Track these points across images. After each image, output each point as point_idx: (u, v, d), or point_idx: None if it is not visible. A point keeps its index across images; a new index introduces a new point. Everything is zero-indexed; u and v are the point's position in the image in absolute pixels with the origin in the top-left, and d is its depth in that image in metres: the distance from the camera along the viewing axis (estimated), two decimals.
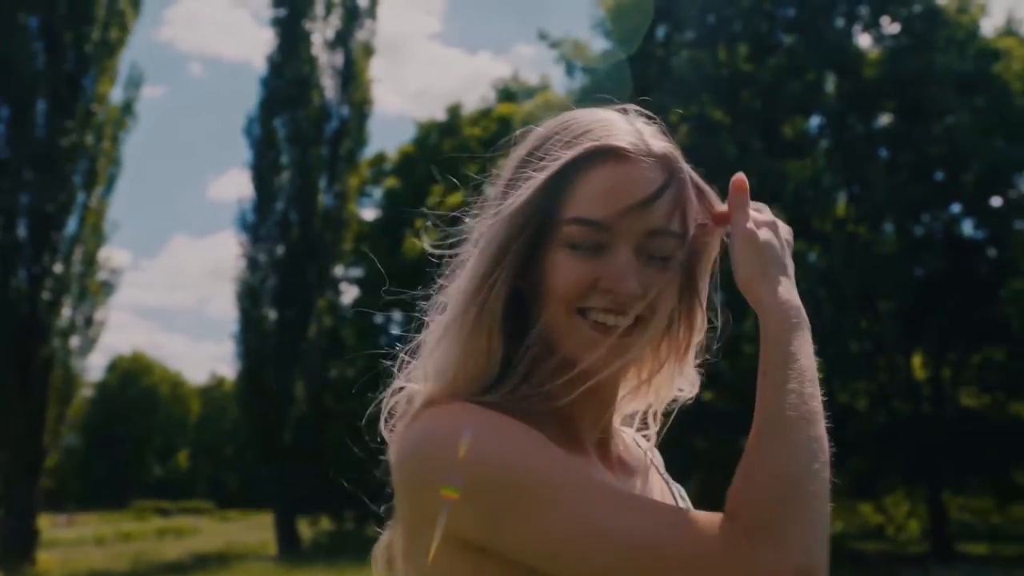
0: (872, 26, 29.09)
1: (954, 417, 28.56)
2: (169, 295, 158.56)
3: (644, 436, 1.69)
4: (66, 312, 25.87)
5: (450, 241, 1.55)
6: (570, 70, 30.97)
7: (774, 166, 25.67)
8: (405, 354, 1.52)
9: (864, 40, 29.47)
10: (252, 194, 31.90)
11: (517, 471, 1.26)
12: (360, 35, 33.10)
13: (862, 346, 27.95)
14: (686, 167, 1.46)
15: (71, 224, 25.65)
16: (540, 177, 1.40)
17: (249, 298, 31.56)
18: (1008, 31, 30.06)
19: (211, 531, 42.76)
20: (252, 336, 31.34)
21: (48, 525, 33.71)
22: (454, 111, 38.17)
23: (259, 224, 31.74)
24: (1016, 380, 28.34)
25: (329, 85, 32.54)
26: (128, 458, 79.91)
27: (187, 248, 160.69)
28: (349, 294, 37.54)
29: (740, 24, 27.54)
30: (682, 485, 1.71)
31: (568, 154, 1.40)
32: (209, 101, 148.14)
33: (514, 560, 1.27)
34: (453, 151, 34.52)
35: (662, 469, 1.68)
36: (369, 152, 36.52)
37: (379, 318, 36.19)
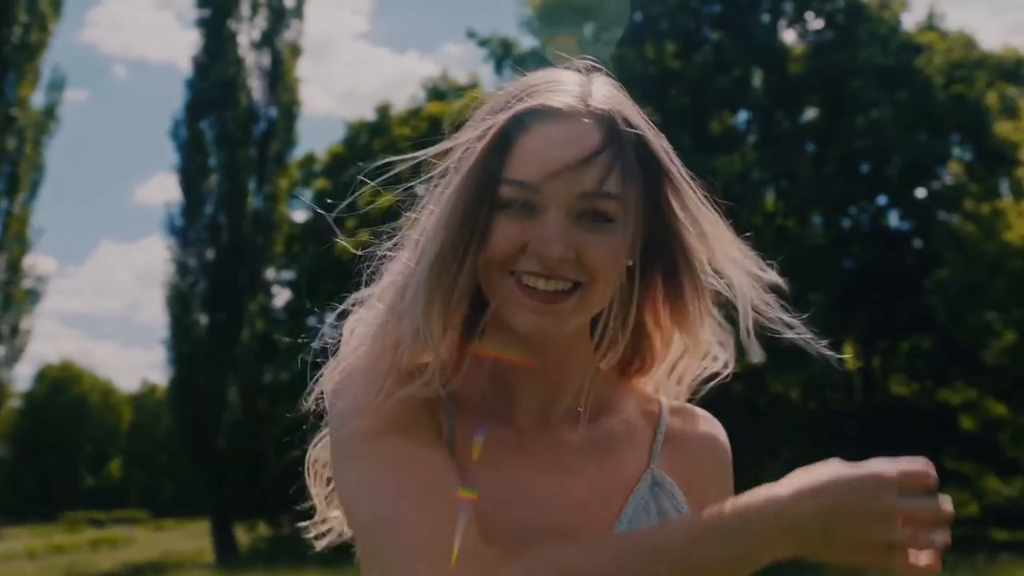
0: (797, 22, 29.48)
1: (885, 405, 29.02)
2: (97, 302, 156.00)
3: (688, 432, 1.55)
4: None
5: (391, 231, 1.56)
6: (499, 68, 31.02)
7: (703, 162, 25.89)
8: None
9: (789, 36, 29.86)
10: (180, 197, 31.48)
11: (348, 430, 1.36)
12: (287, 35, 32.80)
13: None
14: (638, 126, 1.40)
15: None
16: (485, 140, 1.38)
17: (179, 303, 31.15)
18: (929, 26, 30.61)
19: (146, 541, 42.16)
20: (183, 341, 30.94)
21: None
22: (383, 111, 38.00)
23: (188, 228, 31.34)
24: (943, 368, 28.88)
25: (256, 86, 32.21)
26: (58, 469, 78.54)
27: (114, 254, 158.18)
28: (281, 297, 37.25)
29: (667, 22, 27.75)
30: None
31: (507, 115, 1.38)
32: (134, 104, 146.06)
33: None
34: (383, 151, 34.41)
35: (659, 472, 1.48)
36: (298, 153, 36.21)
37: (312, 320, 35.91)
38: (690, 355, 1.55)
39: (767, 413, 26.75)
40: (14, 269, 25.70)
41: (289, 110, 32.60)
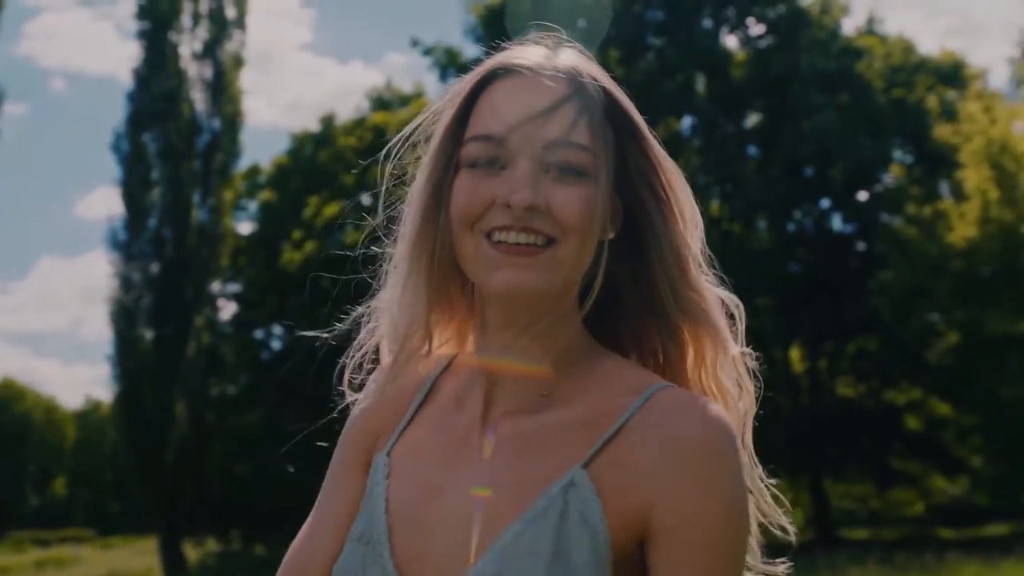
0: (738, 28, 29.72)
1: (832, 407, 29.30)
2: (39, 318, 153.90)
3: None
4: None
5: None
6: (444, 77, 31.01)
7: None
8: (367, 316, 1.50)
9: (731, 42, 30.11)
10: (123, 211, 31.16)
11: None
12: (229, 46, 32.57)
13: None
14: (607, 84, 1.38)
15: None
16: (452, 106, 1.37)
17: (124, 318, 30.82)
18: (869, 31, 31.01)
19: (93, 560, 41.57)
20: (129, 357, 30.61)
21: None
22: (328, 121, 37.84)
23: (131, 242, 31.02)
24: (888, 369, 29.22)
25: (199, 98, 31.96)
26: (1, 488, 77.35)
27: (56, 269, 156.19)
28: (227, 310, 36.97)
29: (611, 28, 27.87)
30: None
31: (472, 79, 1.38)
32: (73, 117, 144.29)
33: None
34: (328, 162, 34.25)
35: (582, 473, 1.27)
36: (242, 165, 35.96)
37: (259, 333, 35.70)
38: (709, 346, 1.41)
39: None
40: None
41: (233, 121, 32.37)
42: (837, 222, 30.28)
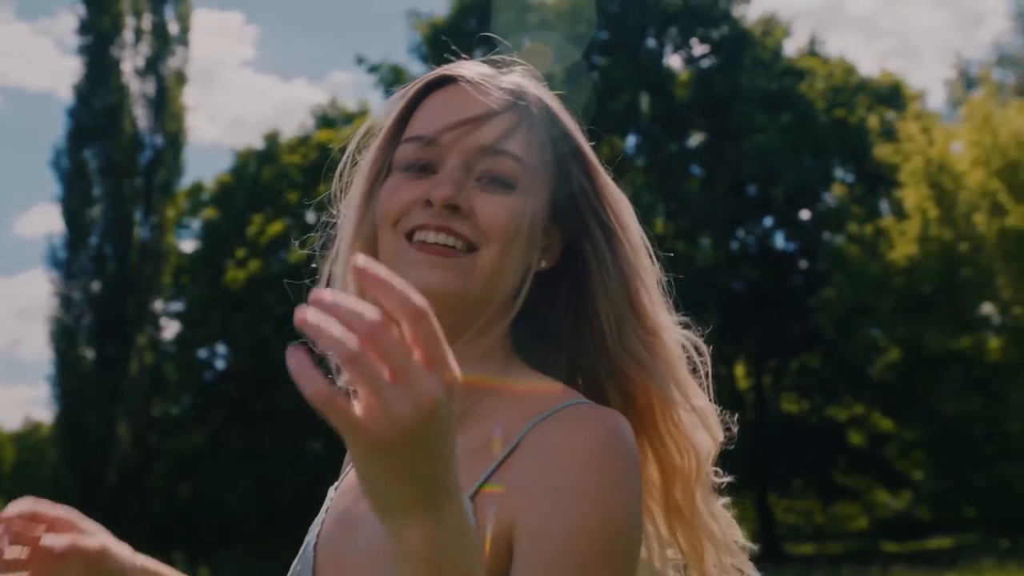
0: (682, 48, 29.96)
1: (776, 423, 29.52)
2: None
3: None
4: None
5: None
6: (389, 94, 30.89)
7: None
8: None
9: (675, 61, 30.34)
10: (63, 229, 30.74)
11: None
12: (172, 62, 32.30)
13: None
14: (551, 105, 1.36)
15: None
16: (392, 113, 1.37)
17: (64, 337, 30.38)
18: (811, 52, 31.39)
19: None
20: (69, 377, 30.16)
21: None
22: (272, 139, 37.60)
23: (72, 260, 30.59)
24: (831, 385, 29.50)
25: (141, 114, 31.62)
26: None
27: None
28: (170, 329, 36.56)
29: (555, 48, 27.98)
30: None
31: (413, 88, 1.37)
32: (10, 133, 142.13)
33: None
34: (273, 179, 34.05)
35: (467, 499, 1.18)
36: (185, 182, 35.63)
37: (203, 352, 35.33)
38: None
39: None
40: None
41: (175, 138, 32.07)
42: (780, 240, 30.60)
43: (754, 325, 28.28)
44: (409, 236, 1.26)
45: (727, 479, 1.46)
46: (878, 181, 27.16)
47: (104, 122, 30.72)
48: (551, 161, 1.31)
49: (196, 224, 38.24)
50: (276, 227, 31.85)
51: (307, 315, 0.81)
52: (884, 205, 27.67)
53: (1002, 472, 22.14)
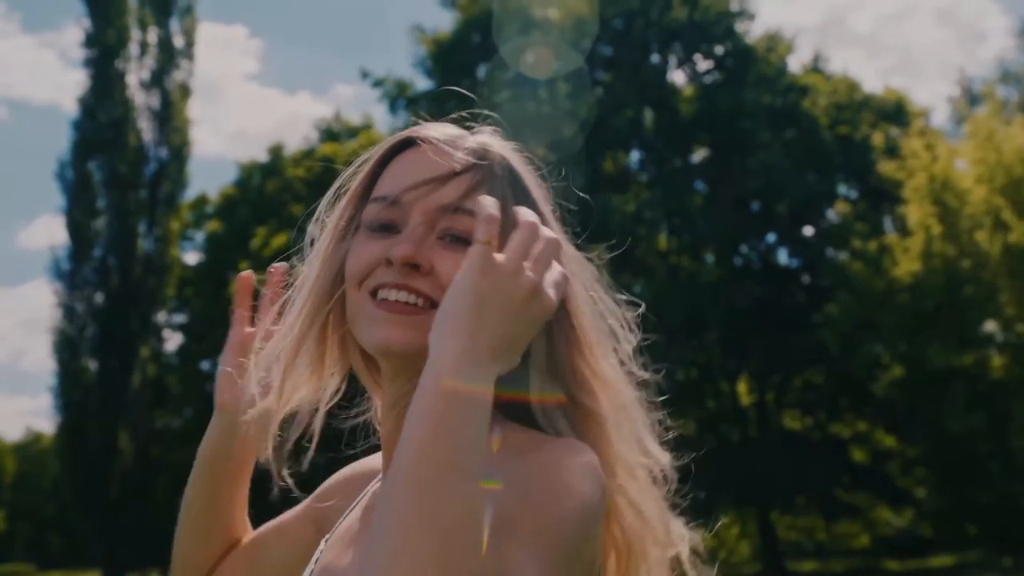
0: (686, 63, 30.02)
1: (779, 439, 29.47)
2: None
3: None
4: None
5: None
6: (393, 108, 31.02)
7: (597, 201, 26.13)
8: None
9: (679, 77, 30.39)
10: (67, 240, 30.80)
11: None
12: (177, 76, 32.40)
13: (688, 374, 28.62)
14: (516, 167, 1.38)
15: None
16: (359, 175, 1.41)
17: (67, 349, 30.41)
18: (814, 68, 31.43)
19: None
20: (72, 388, 30.18)
21: None
22: (276, 152, 37.68)
23: (75, 271, 30.65)
24: (834, 401, 29.47)
25: (146, 127, 31.72)
26: None
27: None
28: (173, 341, 36.58)
29: (559, 63, 28.05)
30: None
31: (381, 149, 1.41)
32: (15, 145, 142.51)
33: None
34: (276, 192, 34.11)
35: None
36: (189, 195, 35.69)
37: (206, 365, 35.34)
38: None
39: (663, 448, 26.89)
40: None
41: (180, 151, 32.16)
42: (783, 256, 30.60)
43: (757, 341, 28.26)
44: (374, 294, 1.30)
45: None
46: (882, 198, 27.17)
47: (109, 135, 30.82)
48: (512, 218, 1.30)
49: (200, 236, 38.32)
50: (280, 240, 31.88)
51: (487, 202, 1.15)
52: (888, 222, 27.67)
53: (1005, 489, 22.09)
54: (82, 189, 30.86)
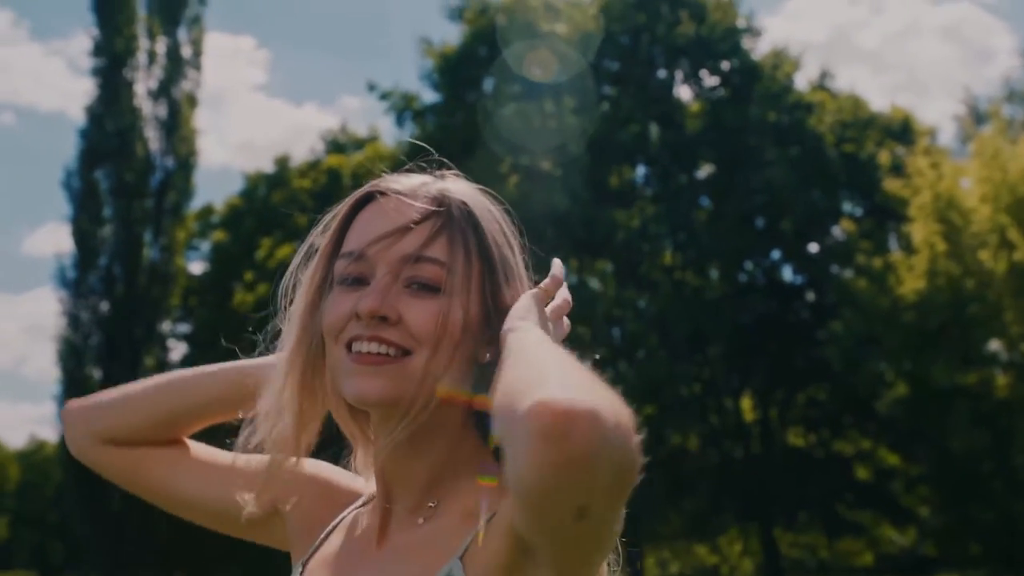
0: (692, 79, 30.05)
1: (782, 455, 29.41)
2: None
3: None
4: None
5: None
6: (399, 121, 31.05)
7: (603, 215, 26.16)
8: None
9: (685, 93, 30.41)
10: (72, 248, 30.85)
11: None
12: (184, 85, 32.48)
13: (692, 390, 28.58)
14: (480, 213, 1.42)
15: None
16: (329, 228, 1.46)
17: (72, 357, 30.42)
18: (820, 86, 31.45)
19: None
20: (76, 396, 29.77)
21: None
22: (282, 163, 37.73)
23: (80, 280, 30.68)
24: (838, 418, 29.41)
25: (152, 136, 31.78)
26: None
27: (1, 306, 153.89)
28: (177, 351, 36.57)
29: (565, 77, 28.09)
30: None
31: (348, 204, 1.45)
32: (22, 152, 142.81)
33: None
34: (282, 203, 34.15)
35: (458, 564, 1.31)
36: (195, 205, 35.73)
37: None
38: None
39: (666, 464, 26.90)
40: None
41: (186, 161, 32.21)
42: (788, 273, 30.59)
43: (761, 357, 28.23)
44: (348, 347, 1.36)
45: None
46: (887, 216, 27.16)
47: (116, 144, 30.88)
48: (476, 260, 1.39)
49: (205, 246, 38.36)
50: (285, 251, 31.90)
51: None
52: (893, 240, 27.66)
53: (1009, 508, 22.03)
54: (88, 197, 30.91)
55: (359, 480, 1.56)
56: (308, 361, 1.43)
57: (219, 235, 37.36)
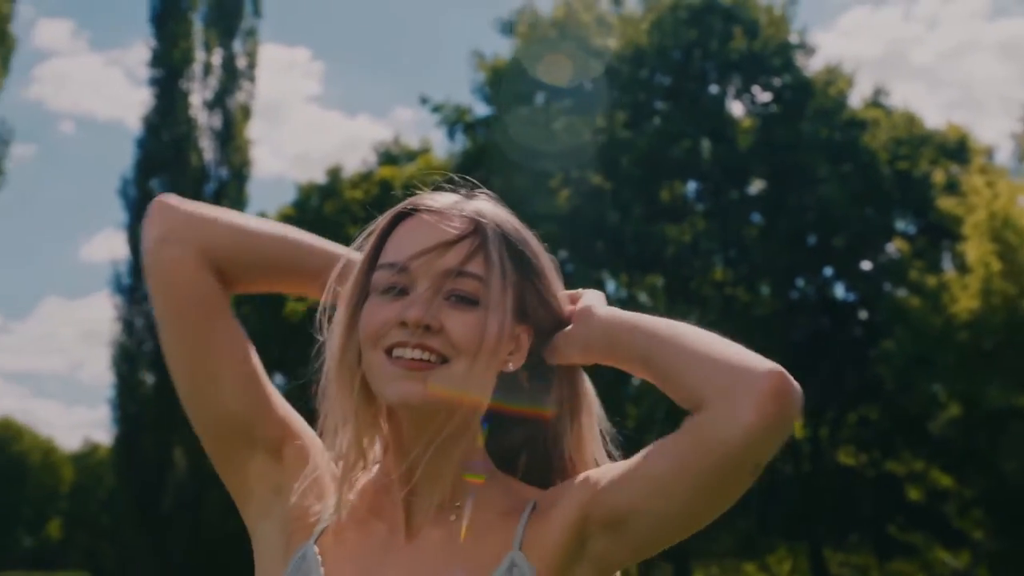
0: (744, 93, 29.91)
1: (832, 475, 29.13)
2: (40, 359, 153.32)
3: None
4: None
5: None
6: (451, 134, 31.17)
7: (654, 231, 26.10)
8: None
9: (737, 108, 30.28)
10: (128, 255, 31.29)
11: None
12: (239, 96, 32.86)
13: None
14: (510, 231, 1.54)
15: None
16: (369, 241, 1.56)
17: (126, 362, 30.86)
18: (875, 103, 31.18)
19: None
20: (129, 401, 30.59)
21: None
22: (335, 174, 37.95)
23: (136, 286, 31.11)
24: (890, 438, 29.09)
25: (207, 146, 32.20)
26: None
27: (59, 311, 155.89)
28: None
29: (617, 91, 28.06)
30: None
31: (387, 218, 1.56)
32: (80, 161, 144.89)
33: None
34: (334, 214, 34.40)
35: (520, 555, 1.47)
36: (248, 214, 36.04)
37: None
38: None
39: None
40: None
41: (240, 171, 32.59)
42: (840, 290, 30.33)
43: (812, 375, 27.96)
44: (389, 352, 1.46)
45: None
46: (941, 234, 26.85)
47: (171, 153, 31.32)
48: (514, 278, 1.52)
49: None
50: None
51: None
52: (947, 259, 27.34)
53: None
54: (144, 205, 31.06)
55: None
56: (356, 369, 1.50)
57: None
